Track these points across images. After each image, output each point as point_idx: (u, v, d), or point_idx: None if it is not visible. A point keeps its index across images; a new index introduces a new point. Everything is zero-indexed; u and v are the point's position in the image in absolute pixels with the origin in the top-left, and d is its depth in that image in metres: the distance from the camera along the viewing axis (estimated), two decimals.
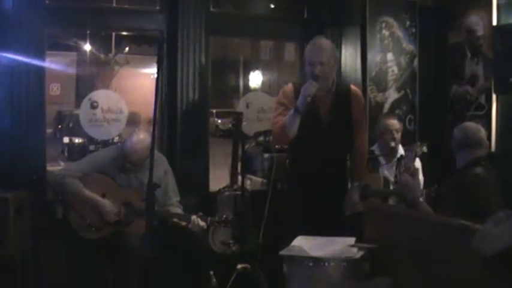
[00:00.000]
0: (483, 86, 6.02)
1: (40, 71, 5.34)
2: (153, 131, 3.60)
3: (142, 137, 4.92)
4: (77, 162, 5.21)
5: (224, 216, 5.06)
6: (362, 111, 4.86)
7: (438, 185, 4.56)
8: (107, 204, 4.86)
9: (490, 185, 4.03)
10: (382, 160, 5.51)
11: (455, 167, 4.24)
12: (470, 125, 4.44)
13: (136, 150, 4.88)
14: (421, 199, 4.13)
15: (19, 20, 5.17)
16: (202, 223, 4.93)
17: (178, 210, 5.14)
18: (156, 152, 3.96)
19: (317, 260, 3.58)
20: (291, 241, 3.88)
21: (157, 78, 3.68)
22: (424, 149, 4.64)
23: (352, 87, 4.85)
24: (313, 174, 4.64)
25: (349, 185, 4.88)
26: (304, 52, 4.76)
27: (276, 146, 5.42)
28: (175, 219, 4.99)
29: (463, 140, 4.23)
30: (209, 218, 5.00)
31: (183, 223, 4.94)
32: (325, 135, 4.62)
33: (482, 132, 4.25)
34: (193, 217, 4.93)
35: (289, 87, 4.80)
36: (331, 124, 4.64)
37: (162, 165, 5.09)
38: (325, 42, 4.64)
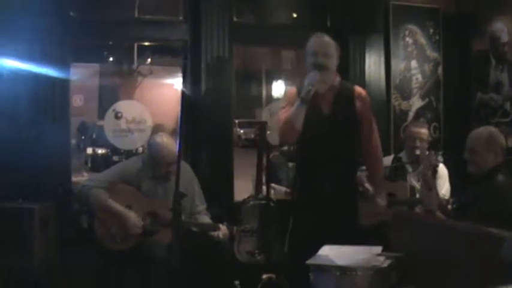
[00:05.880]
0: (508, 93, 5.97)
1: (64, 83, 5.39)
2: (180, 140, 3.61)
3: (165, 139, 4.94)
4: (103, 173, 5.21)
5: (249, 226, 5.05)
6: (368, 111, 4.54)
7: (462, 193, 4.52)
8: (132, 216, 4.83)
9: None
10: (409, 168, 5.48)
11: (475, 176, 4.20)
12: (479, 131, 4.32)
13: (162, 149, 4.88)
14: (437, 212, 4.10)
15: (43, 33, 5.23)
16: (227, 232, 4.93)
17: (206, 218, 5.15)
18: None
19: (344, 269, 3.55)
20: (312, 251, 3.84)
21: (182, 88, 3.68)
22: (440, 158, 4.59)
23: (357, 87, 4.60)
24: (319, 176, 4.42)
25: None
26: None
27: (285, 148, 5.31)
28: (202, 229, 5.00)
29: (470, 145, 4.18)
30: (235, 228, 4.99)
31: (209, 232, 4.94)
32: (327, 132, 4.34)
33: (494, 138, 4.16)
34: (219, 226, 4.92)
35: (292, 90, 4.63)
36: (333, 121, 4.38)
37: (187, 174, 5.06)
38: (329, 37, 4.42)
